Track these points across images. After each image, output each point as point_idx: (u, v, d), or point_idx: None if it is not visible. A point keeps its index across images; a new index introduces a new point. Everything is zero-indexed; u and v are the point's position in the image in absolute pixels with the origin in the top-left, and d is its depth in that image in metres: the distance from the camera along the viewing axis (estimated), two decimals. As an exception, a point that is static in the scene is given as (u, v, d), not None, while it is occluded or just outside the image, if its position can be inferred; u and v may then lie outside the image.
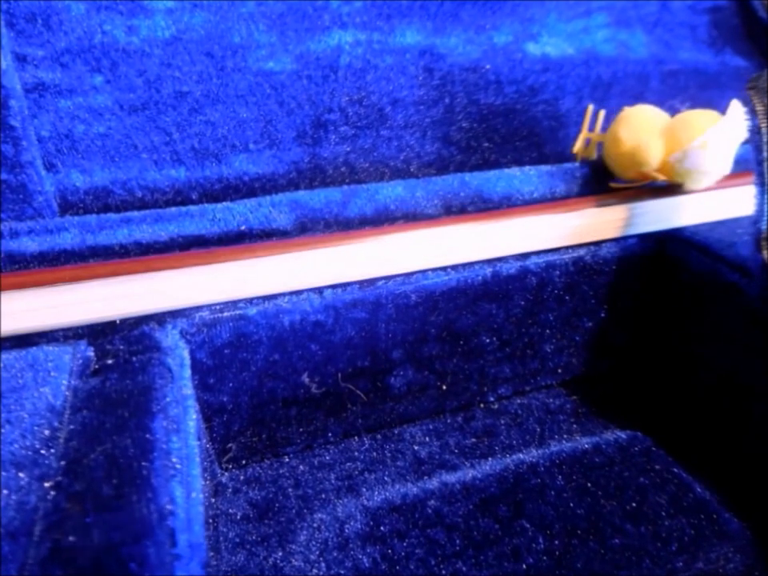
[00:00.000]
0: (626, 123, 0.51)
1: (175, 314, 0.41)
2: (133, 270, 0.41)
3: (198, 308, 0.42)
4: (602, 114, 0.55)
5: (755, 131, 0.40)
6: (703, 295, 0.48)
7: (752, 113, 0.40)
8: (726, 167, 0.49)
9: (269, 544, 0.41)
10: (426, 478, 0.46)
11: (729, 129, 0.46)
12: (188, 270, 0.41)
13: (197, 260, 0.42)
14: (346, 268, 0.44)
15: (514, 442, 0.49)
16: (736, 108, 0.46)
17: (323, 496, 0.44)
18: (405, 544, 0.40)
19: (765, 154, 0.39)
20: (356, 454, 0.48)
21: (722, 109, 0.60)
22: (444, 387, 0.51)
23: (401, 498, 0.44)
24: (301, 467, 0.47)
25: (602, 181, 0.53)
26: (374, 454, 0.48)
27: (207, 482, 0.38)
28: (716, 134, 0.47)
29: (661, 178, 0.51)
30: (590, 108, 0.56)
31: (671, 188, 0.52)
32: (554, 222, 0.49)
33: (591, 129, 0.56)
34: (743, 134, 0.46)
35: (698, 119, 0.49)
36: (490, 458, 0.47)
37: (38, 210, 0.45)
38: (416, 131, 0.56)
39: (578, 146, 0.57)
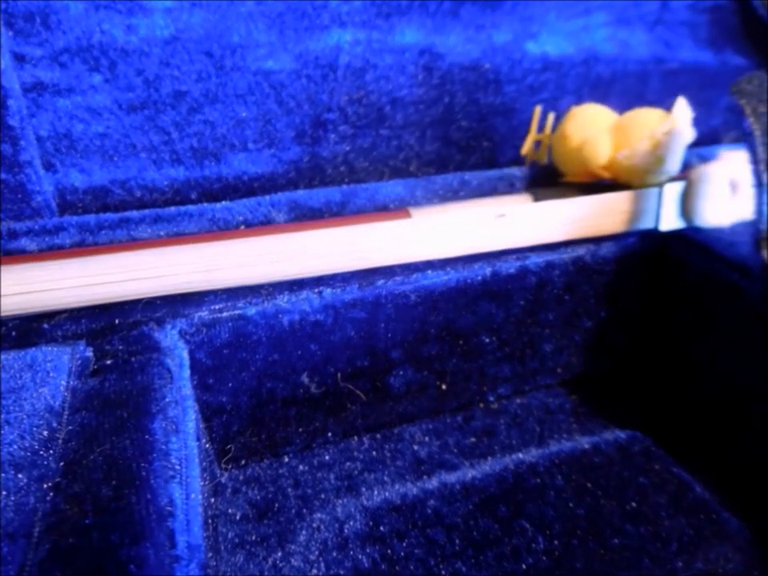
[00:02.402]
0: (573, 120, 0.52)
1: (174, 313, 0.41)
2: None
3: (198, 308, 0.42)
4: (551, 116, 0.55)
5: (747, 133, 0.40)
6: (703, 295, 0.48)
7: (742, 115, 0.40)
8: (675, 166, 0.49)
9: (268, 544, 0.41)
10: (425, 477, 0.46)
11: (677, 126, 0.47)
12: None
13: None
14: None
15: (514, 441, 0.49)
16: (682, 106, 0.47)
17: (323, 496, 0.44)
18: (404, 544, 0.40)
19: (759, 155, 0.39)
20: (355, 453, 0.48)
21: (721, 108, 0.60)
22: (443, 387, 0.51)
23: (400, 498, 0.44)
24: (300, 467, 0.47)
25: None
26: (374, 453, 0.48)
27: (206, 483, 0.38)
28: (664, 132, 0.47)
29: (606, 175, 0.51)
30: (538, 109, 0.56)
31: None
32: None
33: (540, 131, 0.56)
34: (690, 132, 0.47)
35: (646, 117, 0.49)
36: (489, 458, 0.47)
37: (37, 210, 0.45)
38: (415, 130, 0.56)
39: (525, 148, 0.57)
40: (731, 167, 0.47)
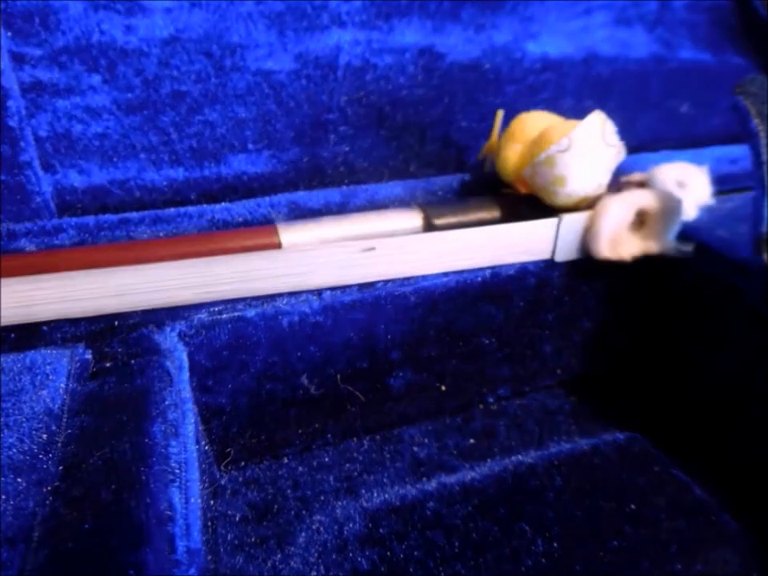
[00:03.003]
0: (509, 129, 0.49)
1: (174, 316, 0.41)
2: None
3: (197, 310, 0.42)
4: (500, 115, 0.52)
5: (753, 134, 0.40)
6: (703, 296, 0.48)
7: (747, 116, 0.40)
8: (587, 186, 0.45)
9: (267, 546, 0.41)
10: (424, 479, 0.46)
11: (576, 144, 0.43)
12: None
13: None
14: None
15: (513, 443, 0.49)
16: (592, 121, 0.44)
17: (322, 498, 0.44)
18: (404, 546, 0.40)
19: (764, 157, 0.39)
20: (355, 455, 0.48)
21: (721, 108, 0.59)
22: (443, 388, 0.51)
23: (400, 500, 0.44)
24: (300, 469, 0.47)
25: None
26: (373, 455, 0.48)
27: (206, 485, 0.38)
28: (560, 150, 0.43)
29: (522, 191, 0.48)
30: (500, 113, 0.52)
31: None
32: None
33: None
34: (604, 150, 0.43)
35: (554, 129, 0.46)
36: (488, 460, 0.47)
37: (36, 211, 0.45)
38: (415, 131, 0.56)
39: (481, 154, 0.54)
40: (640, 197, 0.45)
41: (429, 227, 0.46)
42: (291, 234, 0.43)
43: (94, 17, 0.45)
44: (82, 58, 0.45)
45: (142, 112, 0.47)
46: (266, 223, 0.47)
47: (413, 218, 0.46)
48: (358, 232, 0.45)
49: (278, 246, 0.42)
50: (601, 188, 0.46)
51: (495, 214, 0.47)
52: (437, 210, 0.46)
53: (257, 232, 0.43)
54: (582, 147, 0.44)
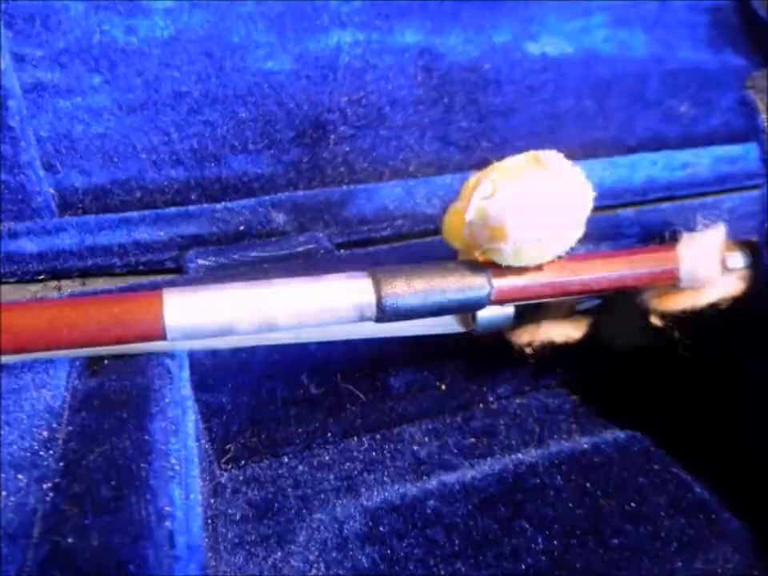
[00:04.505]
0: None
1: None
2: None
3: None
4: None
5: (760, 130, 0.40)
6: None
7: (755, 111, 0.40)
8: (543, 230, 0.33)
9: (268, 544, 0.41)
10: (425, 478, 0.46)
11: (501, 187, 0.33)
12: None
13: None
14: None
15: (513, 442, 0.49)
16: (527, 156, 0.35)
17: (322, 496, 0.44)
18: (404, 544, 0.41)
19: None
20: (355, 454, 0.48)
21: (721, 109, 0.59)
22: (443, 387, 0.51)
23: (400, 499, 0.44)
24: (300, 467, 0.47)
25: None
26: (373, 454, 0.48)
27: (206, 483, 0.38)
28: (483, 197, 0.33)
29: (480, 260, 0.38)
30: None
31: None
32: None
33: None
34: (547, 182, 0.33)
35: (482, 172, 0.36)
36: (489, 458, 0.47)
37: (37, 211, 0.45)
38: (415, 131, 0.56)
39: None
40: None
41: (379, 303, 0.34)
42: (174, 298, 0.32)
43: (95, 17, 0.45)
44: (82, 59, 0.45)
45: (142, 112, 0.48)
46: (267, 223, 0.47)
47: (360, 289, 0.34)
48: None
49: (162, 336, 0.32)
50: (566, 237, 0.34)
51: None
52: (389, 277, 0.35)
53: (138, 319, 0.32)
54: (514, 186, 0.33)
